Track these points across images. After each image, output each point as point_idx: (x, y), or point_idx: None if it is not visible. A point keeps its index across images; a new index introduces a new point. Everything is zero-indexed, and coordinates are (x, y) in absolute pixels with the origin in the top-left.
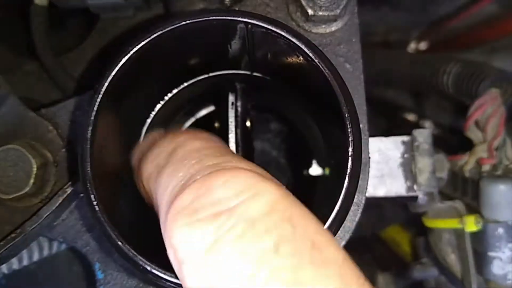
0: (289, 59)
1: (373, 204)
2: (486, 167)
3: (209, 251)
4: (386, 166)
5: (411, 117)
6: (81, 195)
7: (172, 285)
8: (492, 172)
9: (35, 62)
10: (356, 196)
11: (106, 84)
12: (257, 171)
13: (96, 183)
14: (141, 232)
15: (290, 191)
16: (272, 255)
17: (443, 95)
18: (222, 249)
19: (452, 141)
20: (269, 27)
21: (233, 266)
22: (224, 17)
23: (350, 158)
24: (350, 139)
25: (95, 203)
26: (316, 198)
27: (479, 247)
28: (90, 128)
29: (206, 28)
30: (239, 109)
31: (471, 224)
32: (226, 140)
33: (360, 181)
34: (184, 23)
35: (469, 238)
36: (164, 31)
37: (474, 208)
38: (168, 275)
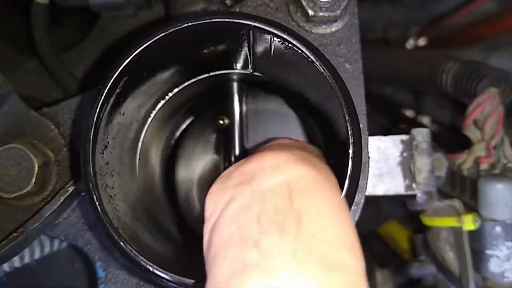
0: (289, 60)
1: (371, 200)
2: (484, 166)
3: (224, 211)
4: (385, 165)
5: (410, 114)
6: (83, 194)
7: (173, 285)
8: (490, 171)
9: (36, 60)
10: (356, 196)
11: (109, 85)
12: (300, 154)
13: (97, 182)
14: (141, 230)
15: None
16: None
17: (442, 94)
18: (229, 214)
19: (451, 139)
20: (270, 28)
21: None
22: (225, 19)
23: (350, 159)
24: (350, 141)
25: (97, 203)
26: None
27: (477, 245)
28: (92, 129)
29: (207, 30)
30: (239, 108)
31: (469, 223)
32: (226, 138)
33: (360, 181)
34: (185, 25)
35: (466, 236)
36: (166, 33)
37: (472, 206)
38: (169, 275)
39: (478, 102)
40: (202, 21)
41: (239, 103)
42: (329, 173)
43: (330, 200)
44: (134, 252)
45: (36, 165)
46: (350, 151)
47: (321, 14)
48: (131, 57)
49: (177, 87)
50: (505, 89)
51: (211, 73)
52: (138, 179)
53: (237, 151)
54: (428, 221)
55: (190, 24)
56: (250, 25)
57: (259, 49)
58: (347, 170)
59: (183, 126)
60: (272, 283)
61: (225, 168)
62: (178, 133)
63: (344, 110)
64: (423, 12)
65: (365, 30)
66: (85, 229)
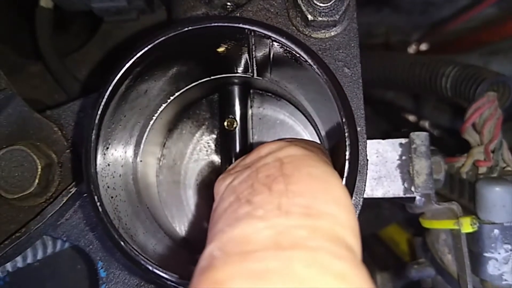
0: (289, 64)
1: (372, 204)
2: (482, 169)
3: (226, 188)
4: (384, 168)
5: (411, 118)
6: (85, 195)
7: (172, 284)
8: (489, 175)
9: (40, 63)
10: (354, 198)
11: (110, 88)
12: (298, 143)
13: (99, 184)
14: (142, 231)
15: None
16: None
17: (441, 97)
18: (229, 188)
19: (450, 142)
20: (269, 33)
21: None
22: (225, 24)
23: (347, 161)
24: (347, 143)
25: (98, 203)
26: None
27: (475, 248)
28: (94, 131)
29: (209, 34)
30: (241, 111)
31: (467, 225)
32: (227, 141)
33: (358, 183)
34: (186, 29)
35: (465, 238)
36: (167, 37)
37: (471, 209)
38: (168, 274)
39: (477, 106)
40: (203, 26)
41: (240, 107)
42: (326, 160)
43: (321, 168)
44: (135, 251)
45: (39, 167)
46: (347, 153)
47: (320, 19)
48: (132, 60)
49: (178, 90)
50: (504, 93)
51: (212, 77)
52: (139, 180)
53: (237, 154)
54: (427, 223)
55: (190, 28)
56: (249, 29)
57: (259, 53)
58: (344, 172)
59: (185, 130)
60: (258, 225)
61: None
62: (180, 136)
63: (341, 112)
64: (425, 17)
65: (367, 35)
66: (87, 230)
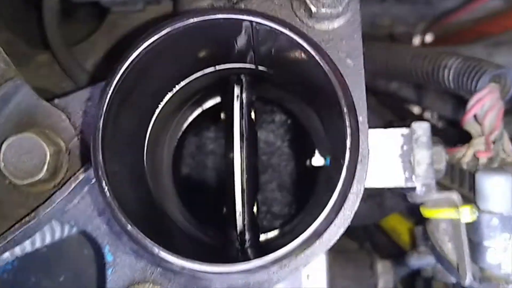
0: (292, 55)
1: (374, 194)
2: (483, 160)
3: None
4: (385, 158)
5: (415, 109)
6: (92, 181)
7: (177, 267)
8: (489, 165)
9: (48, 53)
10: (355, 186)
11: (118, 77)
12: None
13: (107, 170)
14: (148, 217)
15: (294, 179)
16: None
17: (444, 89)
18: None
19: (454, 133)
20: (272, 25)
21: None
22: (230, 15)
23: (348, 149)
24: (348, 132)
25: (106, 188)
26: (318, 187)
27: (474, 237)
28: (102, 119)
29: (213, 25)
30: (244, 101)
31: (466, 215)
32: (230, 130)
33: (359, 172)
34: (192, 20)
35: (464, 228)
36: (172, 28)
37: (471, 199)
38: (174, 257)
39: (478, 98)
40: (207, 18)
41: (242, 96)
42: None
43: None
44: (141, 234)
45: (48, 153)
46: (348, 141)
47: (323, 10)
48: (139, 51)
49: (183, 80)
50: (505, 85)
51: (217, 67)
52: (146, 167)
53: (239, 142)
54: (427, 212)
55: (195, 20)
56: (252, 21)
57: (262, 44)
58: (345, 160)
59: (190, 119)
60: None
61: (229, 158)
62: (185, 125)
63: (342, 102)
64: (429, 8)
65: (371, 27)
66: (95, 215)
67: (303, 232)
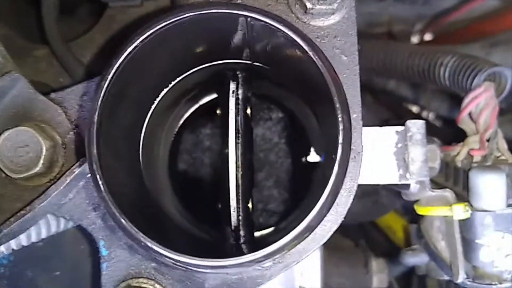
0: (287, 51)
1: (370, 192)
2: (477, 158)
3: None
4: (379, 155)
5: (413, 108)
6: (88, 175)
7: (171, 261)
8: (482, 163)
9: (46, 47)
10: (348, 183)
11: (113, 72)
12: None
13: (102, 164)
14: (143, 212)
15: (291, 177)
16: None
17: (440, 87)
18: None
19: (451, 133)
20: (267, 20)
21: None
22: (225, 10)
23: (339, 144)
24: (340, 127)
25: (100, 182)
26: (314, 184)
27: (468, 235)
28: (97, 113)
29: (208, 20)
30: (239, 96)
31: (459, 212)
32: (226, 126)
33: (352, 169)
34: (186, 15)
35: (457, 225)
36: (168, 22)
37: (465, 197)
38: (167, 251)
39: (473, 96)
40: (202, 11)
41: (238, 92)
42: None
43: None
44: (134, 228)
45: (44, 147)
46: (340, 137)
47: (318, 6)
48: (134, 45)
49: (179, 75)
50: (501, 83)
51: (213, 63)
52: (141, 163)
53: (234, 138)
54: (421, 210)
55: (190, 15)
56: (248, 16)
57: (258, 39)
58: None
59: (186, 114)
60: None
61: (224, 154)
62: (181, 121)
63: (335, 99)
64: (427, 8)
65: (369, 25)
66: (90, 209)
67: (294, 230)
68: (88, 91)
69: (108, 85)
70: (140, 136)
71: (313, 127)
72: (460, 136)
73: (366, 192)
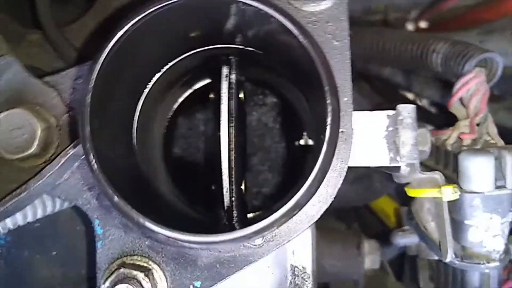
0: (278, 36)
1: (362, 176)
2: (466, 142)
3: None
4: (370, 138)
5: (409, 95)
6: (82, 157)
7: (163, 237)
8: (472, 146)
9: (40, 33)
10: (338, 165)
11: (104, 55)
12: None
13: (95, 145)
14: (138, 193)
15: (285, 160)
16: None
17: (433, 74)
18: None
19: (445, 119)
20: (258, 5)
21: None
22: None
23: (328, 125)
24: (329, 109)
25: (93, 162)
26: (306, 167)
27: (457, 216)
28: (89, 94)
29: (200, 5)
30: (232, 81)
31: (448, 194)
32: (219, 110)
33: (343, 151)
34: (178, 1)
35: (446, 206)
36: (158, 6)
37: (454, 180)
38: (159, 227)
39: (464, 81)
40: None
41: (231, 76)
42: None
43: None
44: (128, 206)
45: (39, 129)
46: (328, 119)
47: None
48: (126, 28)
49: (171, 60)
50: (491, 69)
51: (205, 48)
52: (135, 145)
53: (227, 122)
54: (411, 192)
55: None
56: (239, 1)
57: (250, 24)
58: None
59: (180, 99)
60: None
61: (219, 137)
62: (175, 106)
63: (324, 81)
64: None
65: (365, 12)
66: (85, 189)
67: (284, 207)
68: (82, 74)
69: (100, 68)
70: (134, 119)
71: (305, 111)
72: (453, 122)
73: (359, 177)
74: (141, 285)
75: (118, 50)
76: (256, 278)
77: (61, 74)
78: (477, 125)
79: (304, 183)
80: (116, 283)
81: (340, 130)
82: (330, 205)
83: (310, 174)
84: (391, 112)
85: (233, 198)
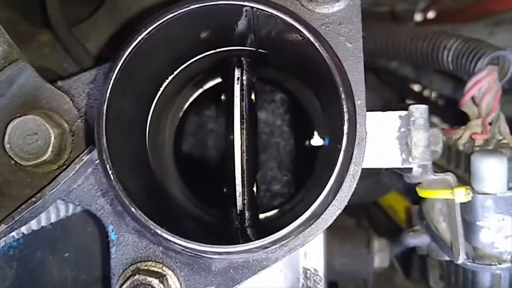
0: (292, 40)
1: (372, 172)
2: (479, 142)
3: None
4: (383, 140)
5: (415, 86)
6: (96, 162)
7: (180, 247)
8: (484, 147)
9: (50, 32)
10: (352, 168)
11: (121, 63)
12: None
13: (111, 153)
14: (150, 196)
15: (293, 158)
16: None
17: (443, 70)
18: None
19: (453, 111)
20: (273, 11)
21: None
22: (230, 2)
23: (345, 134)
24: (345, 118)
25: (110, 172)
26: (317, 166)
27: (469, 217)
28: (105, 104)
29: (214, 10)
30: (244, 83)
31: (461, 196)
32: (231, 112)
33: (356, 154)
34: (193, 7)
35: (459, 208)
36: (174, 14)
37: (466, 180)
38: (177, 238)
39: (476, 80)
40: (209, 3)
41: (243, 78)
42: None
43: None
44: (144, 217)
45: (53, 135)
46: (345, 127)
47: None
48: (141, 37)
49: (184, 63)
50: (504, 67)
51: (217, 50)
52: (148, 148)
53: (239, 125)
54: (423, 193)
55: (197, 6)
56: (253, 7)
57: (263, 27)
58: (341, 145)
59: (191, 99)
60: None
61: (230, 140)
62: (186, 105)
63: (340, 88)
64: None
65: (372, 4)
66: (99, 195)
67: (302, 214)
68: (95, 79)
69: (116, 76)
70: (147, 122)
71: (316, 111)
72: (461, 116)
73: (368, 173)
74: None
75: (132, 57)
76: (268, 282)
77: (73, 78)
78: (489, 124)
79: (320, 191)
80: None
81: None
82: None
83: (322, 176)
84: (403, 113)
85: (246, 201)
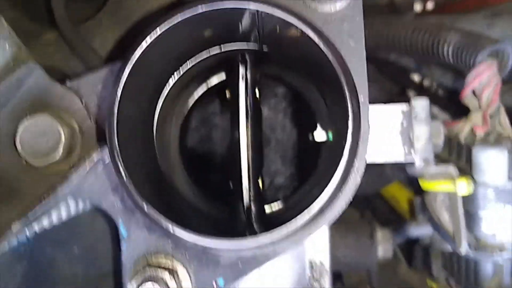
0: (296, 40)
1: (375, 164)
2: (480, 134)
3: None
4: (385, 134)
5: (415, 76)
6: (106, 161)
7: (190, 243)
8: (485, 139)
9: (55, 31)
10: (356, 163)
11: (131, 64)
12: None
13: (122, 152)
14: (159, 192)
15: (297, 152)
16: None
17: (443, 64)
18: None
19: (453, 102)
20: (278, 14)
21: None
22: (235, 6)
23: (349, 132)
24: (350, 116)
25: (122, 170)
26: (320, 160)
27: (471, 208)
28: (116, 105)
29: (220, 11)
30: (249, 80)
31: (463, 187)
32: (236, 109)
33: (360, 150)
34: (200, 11)
35: (461, 199)
36: (180, 20)
37: (467, 171)
38: (188, 232)
39: (476, 73)
40: (215, 7)
41: (247, 75)
42: None
43: None
44: (157, 213)
45: (63, 135)
46: (349, 124)
47: None
48: (152, 37)
49: (189, 60)
50: (503, 60)
51: (222, 47)
52: (155, 145)
53: (245, 121)
54: (425, 185)
55: (204, 10)
56: (258, 10)
57: (267, 27)
58: (346, 141)
59: (196, 95)
60: None
61: (235, 136)
62: (191, 102)
63: (344, 87)
64: None
65: None
66: (109, 192)
67: (308, 208)
68: (104, 79)
69: (126, 76)
70: (154, 119)
71: (319, 107)
72: (461, 105)
73: (371, 165)
74: (167, 285)
75: (139, 59)
76: (274, 274)
77: (82, 78)
78: (490, 116)
79: (324, 188)
80: (141, 283)
81: None
82: None
83: (326, 170)
84: (405, 107)
85: (252, 196)
